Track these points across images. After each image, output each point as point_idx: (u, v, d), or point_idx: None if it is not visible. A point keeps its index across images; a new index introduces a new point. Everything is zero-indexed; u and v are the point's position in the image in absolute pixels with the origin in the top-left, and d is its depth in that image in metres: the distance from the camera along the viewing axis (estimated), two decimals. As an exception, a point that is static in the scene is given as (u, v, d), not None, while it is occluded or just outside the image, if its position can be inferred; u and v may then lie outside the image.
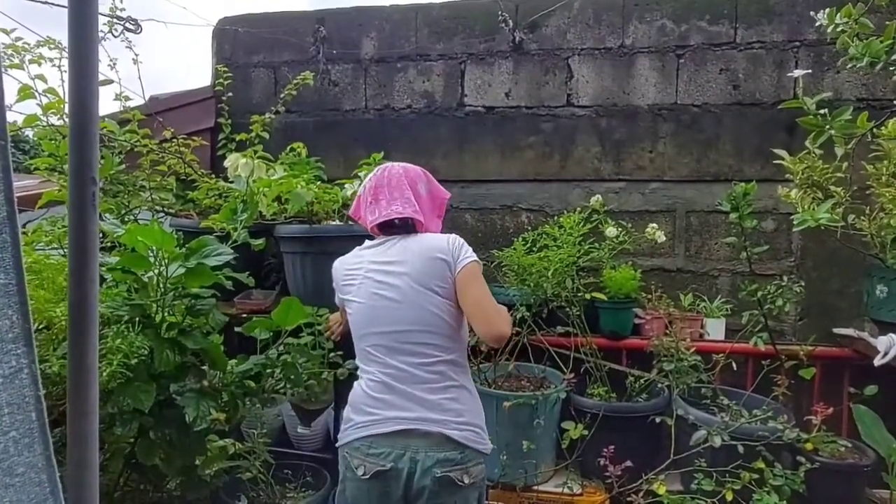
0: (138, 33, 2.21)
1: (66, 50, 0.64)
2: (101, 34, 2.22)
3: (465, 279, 1.37)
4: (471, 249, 1.43)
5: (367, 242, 1.55)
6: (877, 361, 1.90)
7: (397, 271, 1.42)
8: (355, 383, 1.50)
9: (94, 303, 0.59)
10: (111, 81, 2.41)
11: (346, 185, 2.37)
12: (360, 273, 1.48)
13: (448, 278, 1.39)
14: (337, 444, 1.48)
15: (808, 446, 2.04)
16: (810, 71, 2.45)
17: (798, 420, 2.11)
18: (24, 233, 2.09)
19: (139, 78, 2.57)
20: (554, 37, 2.78)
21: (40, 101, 2.21)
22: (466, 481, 1.31)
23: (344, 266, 1.55)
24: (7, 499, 0.63)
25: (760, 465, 1.89)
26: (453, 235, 1.45)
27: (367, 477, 1.34)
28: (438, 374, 1.36)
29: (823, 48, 2.53)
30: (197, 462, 1.74)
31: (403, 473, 1.31)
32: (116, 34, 2.19)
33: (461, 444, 1.32)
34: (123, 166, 2.44)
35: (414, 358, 1.37)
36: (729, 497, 1.84)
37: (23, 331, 0.59)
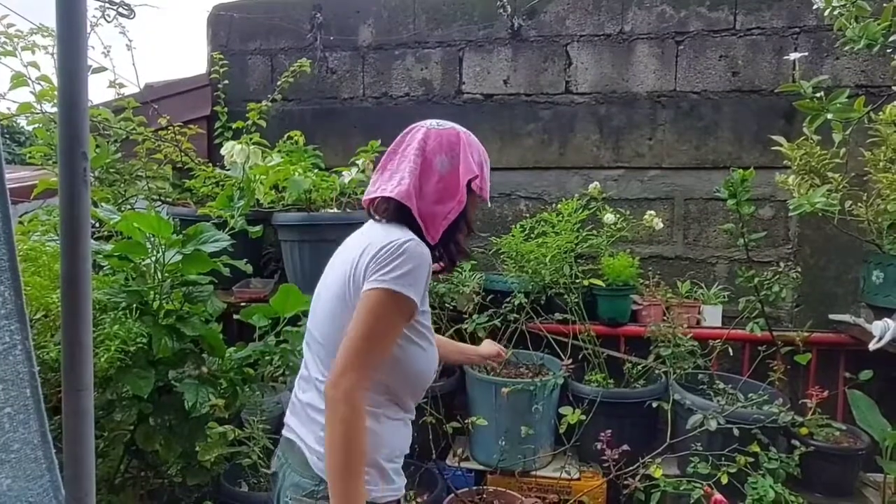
0: (132, 18, 2.19)
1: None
2: (93, 20, 2.20)
3: (358, 307, 1.04)
4: (397, 268, 1.02)
5: None
6: (871, 346, 1.91)
7: (330, 269, 1.19)
8: None
9: (86, 279, 0.59)
10: (105, 69, 2.39)
11: (343, 173, 2.37)
12: None
13: (348, 295, 1.07)
14: None
15: (804, 430, 2.06)
16: (807, 53, 2.44)
17: (794, 405, 2.13)
18: (20, 223, 2.09)
19: (133, 65, 2.56)
20: (553, 23, 2.76)
21: (34, 88, 2.20)
22: None
23: None
24: (3, 475, 0.63)
25: (756, 448, 1.91)
26: (397, 242, 1.04)
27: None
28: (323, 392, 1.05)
29: (823, 34, 2.51)
30: (197, 448, 1.75)
31: (278, 483, 1.16)
32: (109, 19, 2.17)
33: (318, 476, 1.06)
34: (119, 155, 2.44)
35: (311, 367, 1.15)
36: (724, 480, 1.86)
37: (15, 307, 0.59)
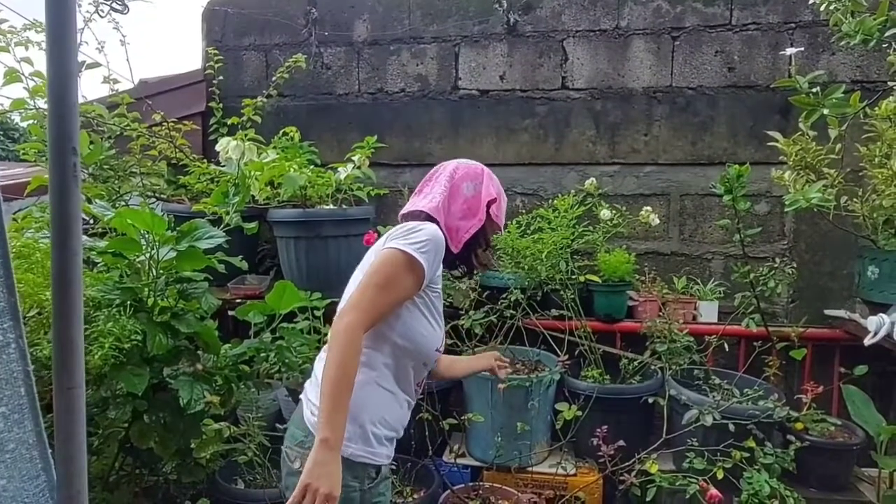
0: (125, 14, 2.17)
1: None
2: (87, 15, 2.18)
3: (372, 262, 1.21)
4: (412, 239, 1.17)
5: None
6: (867, 341, 1.92)
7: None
8: None
9: (77, 275, 0.58)
10: (99, 65, 2.37)
11: (339, 169, 2.36)
12: None
13: (367, 266, 1.24)
14: None
15: (799, 426, 2.07)
16: (802, 49, 2.44)
17: (789, 400, 2.14)
18: (13, 219, 2.07)
19: (127, 61, 2.54)
20: (549, 18, 2.75)
21: (27, 84, 2.18)
22: (296, 466, 1.19)
23: None
24: (-2, 474, 0.63)
25: (751, 443, 1.91)
26: (416, 223, 1.23)
27: None
28: None
29: (818, 29, 2.51)
30: (192, 445, 1.74)
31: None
32: (103, 15, 2.15)
33: (308, 428, 1.20)
34: (113, 151, 2.42)
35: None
36: (720, 475, 1.87)
37: (9, 305, 0.58)
